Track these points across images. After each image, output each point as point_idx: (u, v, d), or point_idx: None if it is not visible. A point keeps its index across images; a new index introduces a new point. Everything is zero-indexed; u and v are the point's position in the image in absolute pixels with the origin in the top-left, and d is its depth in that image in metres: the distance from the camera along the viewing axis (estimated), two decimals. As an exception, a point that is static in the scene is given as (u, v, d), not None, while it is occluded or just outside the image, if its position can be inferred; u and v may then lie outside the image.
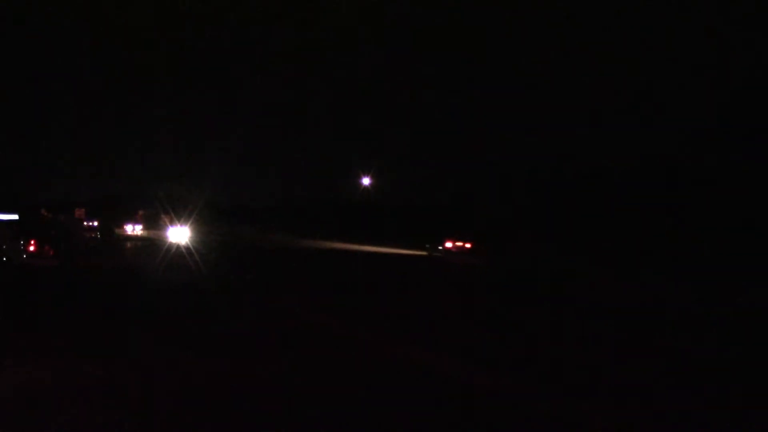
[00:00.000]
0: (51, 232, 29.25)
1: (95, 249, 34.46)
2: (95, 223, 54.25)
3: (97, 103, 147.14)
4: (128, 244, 45.28)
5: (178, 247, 36.28)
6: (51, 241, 27.41)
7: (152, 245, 41.68)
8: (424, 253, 43.08)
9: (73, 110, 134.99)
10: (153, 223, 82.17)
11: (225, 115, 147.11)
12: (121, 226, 77.95)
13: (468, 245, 41.39)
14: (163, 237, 57.59)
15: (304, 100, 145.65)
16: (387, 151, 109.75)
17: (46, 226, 30.71)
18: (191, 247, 35.99)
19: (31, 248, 26.08)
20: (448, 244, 41.56)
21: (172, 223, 54.63)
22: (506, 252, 39.02)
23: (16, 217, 29.58)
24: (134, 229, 74.47)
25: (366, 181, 55.38)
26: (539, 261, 33.63)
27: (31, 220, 31.21)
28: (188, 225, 52.29)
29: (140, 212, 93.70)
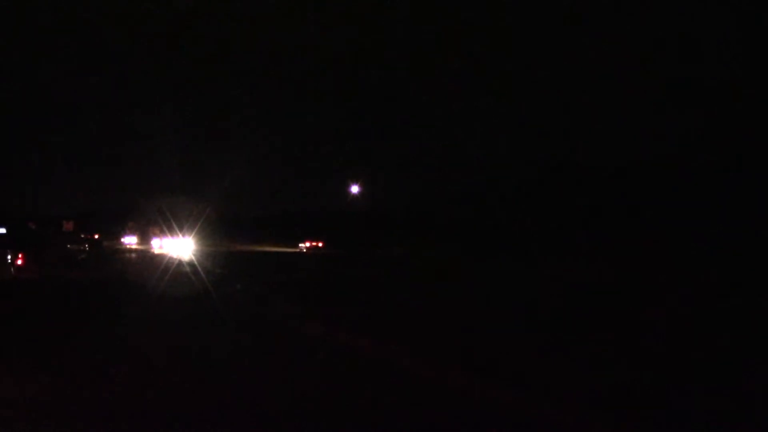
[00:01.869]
0: (39, 246, 29.06)
1: (84, 262, 34.23)
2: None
3: (91, 113, 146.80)
4: (120, 257, 44.98)
5: (180, 262, 34.35)
6: (39, 255, 27.22)
7: (148, 259, 41.42)
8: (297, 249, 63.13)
9: (65, 121, 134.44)
10: (145, 235, 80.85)
11: (220, 126, 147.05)
12: (147, 241, 76.03)
13: (320, 244, 61.51)
14: (155, 250, 56.46)
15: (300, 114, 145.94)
16: (376, 158, 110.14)
17: (34, 239, 30.50)
18: (196, 262, 34.23)
19: (19, 262, 25.88)
20: (308, 244, 61.84)
21: (173, 234, 53.45)
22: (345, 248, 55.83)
23: (3, 231, 29.37)
24: (161, 245, 70.91)
25: (354, 189, 56.23)
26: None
27: (19, 233, 30.98)
28: (192, 237, 51.06)
29: (130, 224, 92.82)
